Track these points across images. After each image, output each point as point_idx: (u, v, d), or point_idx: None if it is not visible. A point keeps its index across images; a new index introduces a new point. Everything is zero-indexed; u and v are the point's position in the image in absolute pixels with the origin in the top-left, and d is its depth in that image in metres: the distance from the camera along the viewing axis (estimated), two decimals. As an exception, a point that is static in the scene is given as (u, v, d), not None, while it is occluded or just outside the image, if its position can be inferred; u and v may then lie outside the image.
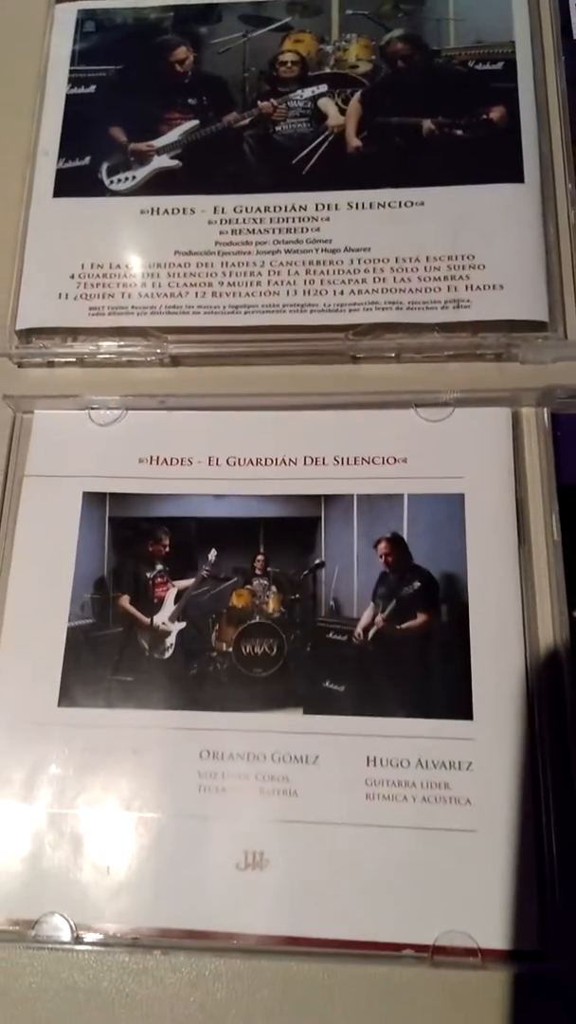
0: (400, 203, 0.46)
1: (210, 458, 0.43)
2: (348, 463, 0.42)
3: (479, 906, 0.35)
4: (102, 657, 0.40)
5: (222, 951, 0.36)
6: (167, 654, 0.40)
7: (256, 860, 0.36)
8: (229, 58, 0.50)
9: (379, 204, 0.46)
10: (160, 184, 0.48)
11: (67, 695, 0.40)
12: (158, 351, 0.44)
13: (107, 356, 0.45)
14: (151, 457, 0.43)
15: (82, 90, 0.50)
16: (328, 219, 0.46)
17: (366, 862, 0.36)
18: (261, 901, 0.36)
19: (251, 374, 0.45)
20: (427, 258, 0.45)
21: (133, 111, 0.50)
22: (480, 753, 0.37)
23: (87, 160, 0.49)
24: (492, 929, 0.35)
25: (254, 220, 0.46)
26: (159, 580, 0.41)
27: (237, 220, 0.47)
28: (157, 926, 0.36)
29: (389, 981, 0.35)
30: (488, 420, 0.42)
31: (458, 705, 0.38)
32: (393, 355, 0.44)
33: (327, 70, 0.49)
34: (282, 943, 0.36)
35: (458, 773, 0.37)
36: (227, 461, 0.43)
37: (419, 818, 0.36)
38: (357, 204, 0.46)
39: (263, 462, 0.43)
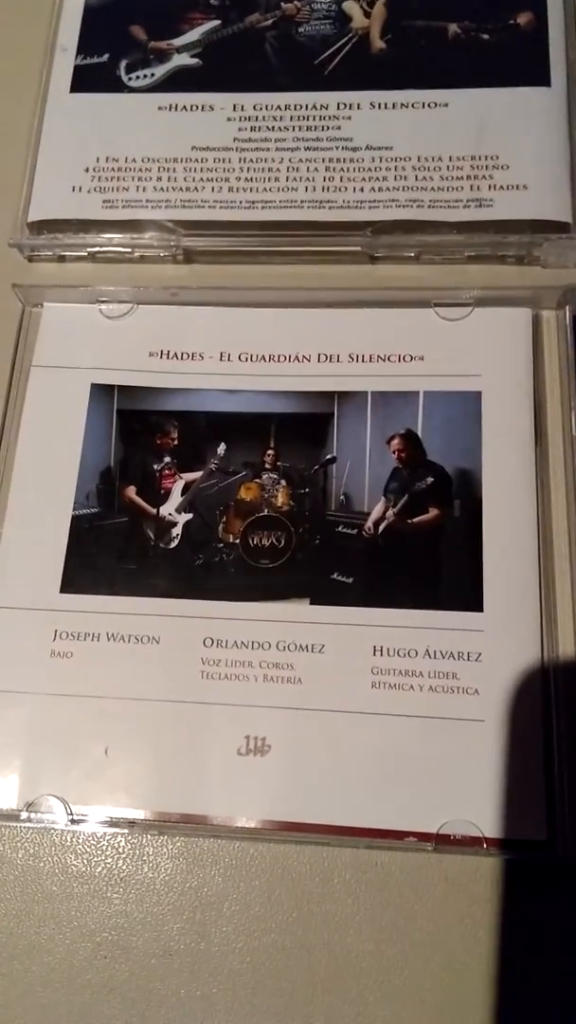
0: (424, 104, 0.46)
1: (222, 353, 0.43)
2: (363, 360, 0.43)
3: (485, 795, 0.35)
4: (106, 546, 0.40)
5: (220, 835, 0.36)
6: (172, 544, 0.40)
7: (257, 746, 0.37)
8: (253, -40, 0.50)
9: (402, 104, 0.46)
10: (179, 82, 0.48)
11: (70, 582, 0.40)
12: (172, 244, 0.45)
13: (119, 250, 0.45)
14: (161, 351, 0.43)
15: (102, -12, 0.50)
16: (350, 118, 0.46)
17: (370, 750, 0.36)
18: (261, 786, 0.36)
19: (266, 273, 0.45)
20: (450, 158, 0.45)
21: (154, 10, 0.50)
22: (489, 645, 0.37)
23: (105, 57, 0.49)
24: (498, 818, 0.35)
25: (274, 118, 0.47)
26: (166, 472, 0.42)
27: (257, 118, 0.47)
28: (154, 810, 0.36)
29: (390, 868, 0.35)
30: (508, 320, 0.42)
31: (468, 597, 0.38)
32: (412, 255, 0.44)
33: (353, -27, 0.50)
34: (282, 828, 0.36)
35: (467, 664, 0.37)
36: (239, 357, 0.43)
37: (426, 707, 0.37)
38: (380, 104, 0.46)
39: (276, 359, 0.43)
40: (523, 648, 0.37)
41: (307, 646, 0.38)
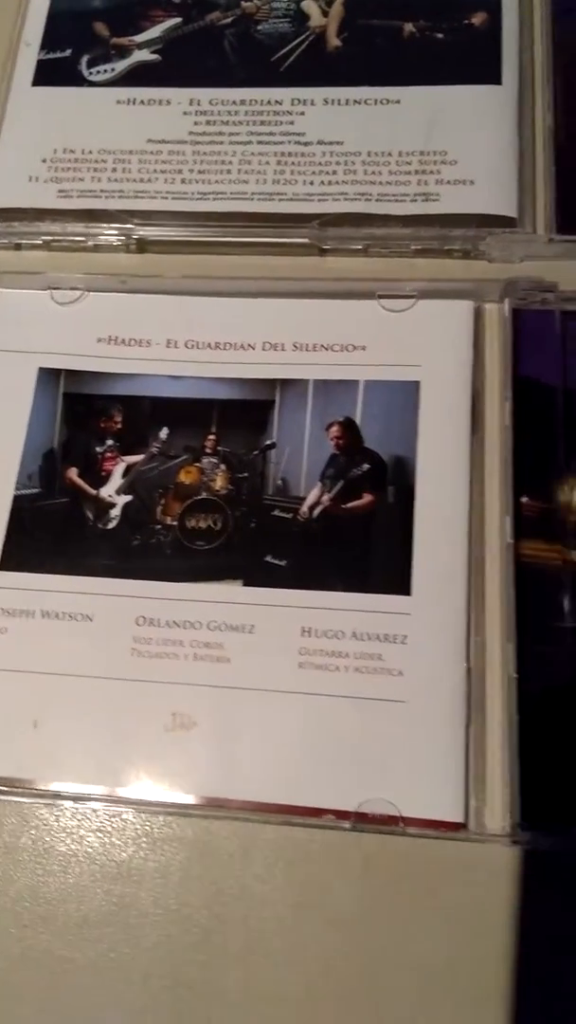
0: (376, 100, 0.47)
1: (168, 340, 0.45)
2: (307, 349, 0.44)
3: (404, 775, 0.36)
4: (45, 525, 0.42)
5: (142, 809, 0.37)
6: (111, 525, 0.41)
7: (183, 722, 0.37)
8: (217, -40, 0.52)
9: (355, 101, 0.48)
10: (139, 77, 0.50)
11: (7, 560, 0.41)
12: (125, 234, 0.46)
13: (73, 239, 0.47)
14: (109, 337, 0.45)
15: (68, -15, 0.52)
16: (303, 113, 0.48)
17: (294, 728, 0.37)
18: (185, 762, 0.37)
19: (217, 263, 0.47)
20: (399, 153, 0.46)
21: (118, 7, 0.52)
22: (415, 627, 0.38)
23: (68, 52, 0.51)
24: (415, 798, 0.36)
25: (229, 112, 0.48)
26: (108, 455, 0.43)
27: (212, 112, 0.48)
28: (80, 782, 0.37)
29: (309, 846, 0.36)
30: (450, 312, 0.44)
31: (397, 581, 0.39)
32: (360, 247, 0.46)
33: (313, -26, 0.51)
34: (204, 804, 0.36)
35: (392, 646, 0.38)
36: (186, 344, 0.44)
37: (350, 688, 0.37)
38: (333, 100, 0.48)
39: (222, 346, 0.44)
40: (448, 632, 0.38)
41: (238, 626, 0.39)
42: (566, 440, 0.40)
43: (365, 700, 0.37)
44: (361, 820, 0.36)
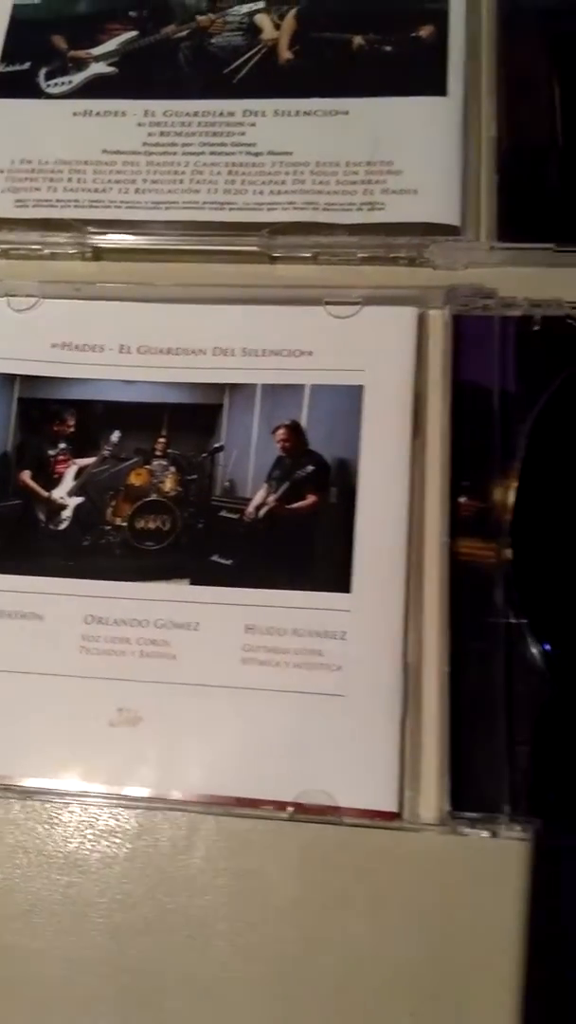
0: (325, 112, 0.49)
1: (121, 346, 0.46)
2: (255, 355, 0.45)
3: (341, 767, 0.37)
4: (-2, 527, 0.43)
5: (88, 802, 0.38)
6: (62, 526, 0.43)
7: (129, 717, 0.39)
8: (173, -26, 0.53)
9: (305, 112, 0.49)
10: (95, 89, 0.51)
11: (-40, 561, 0.42)
12: (80, 242, 0.47)
13: (30, 247, 0.48)
14: (64, 343, 0.46)
15: (28, 0, 0.53)
16: (254, 124, 0.49)
17: (236, 722, 0.38)
18: (130, 755, 0.38)
19: (170, 271, 0.48)
20: (346, 163, 0.47)
21: (76, 21, 0.53)
22: (354, 624, 0.39)
23: (27, 65, 0.52)
24: (352, 789, 0.37)
25: (182, 124, 0.50)
26: (61, 457, 0.44)
27: (166, 123, 0.50)
28: (27, 776, 0.38)
29: (248, 835, 0.37)
30: (394, 318, 0.45)
31: (337, 579, 0.40)
32: (309, 255, 0.47)
33: (266, -13, 0.53)
34: (147, 796, 0.38)
35: (332, 641, 0.39)
36: (138, 349, 0.46)
37: (291, 682, 0.39)
38: (283, 112, 0.49)
39: (173, 351, 0.46)
40: (386, 628, 0.39)
41: (183, 624, 0.40)
42: (502, 442, 0.41)
43: (305, 695, 0.39)
44: (299, 810, 0.37)
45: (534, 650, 0.38)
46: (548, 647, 0.38)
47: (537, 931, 0.34)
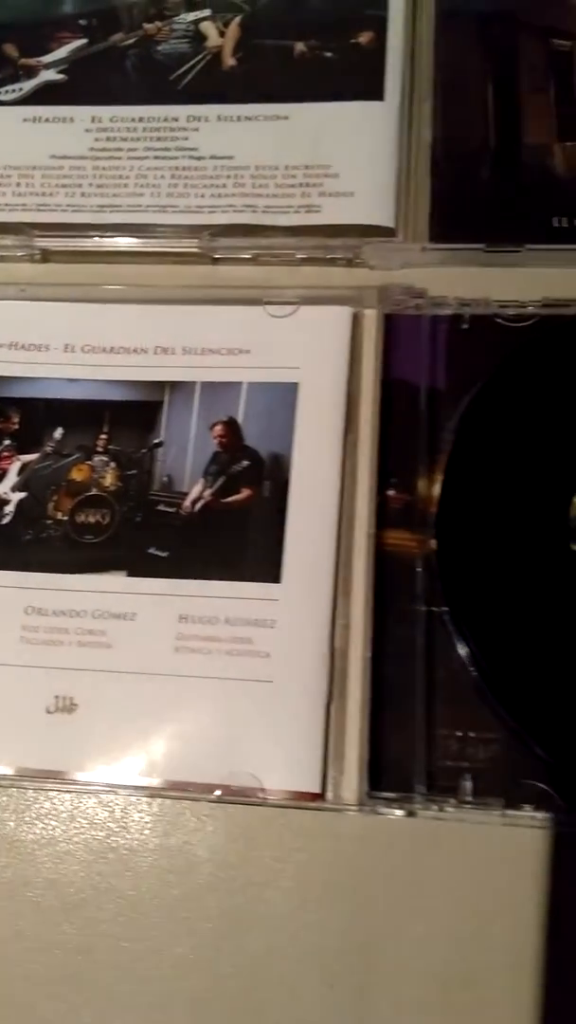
0: (266, 117, 0.50)
1: (66, 345, 0.47)
2: (195, 353, 0.46)
3: (268, 750, 0.39)
4: (-56, 522, 0.44)
5: (24, 786, 0.39)
6: (5, 520, 0.44)
7: (65, 705, 0.40)
8: (122, -17, 0.55)
9: (246, 117, 0.50)
10: (44, 96, 0.53)
11: None
12: (27, 245, 0.49)
13: (-22, 250, 0.49)
14: (9, 343, 0.47)
15: (-20, 10, 0.55)
16: (197, 130, 0.50)
17: (168, 708, 0.40)
18: (66, 741, 0.40)
19: (116, 272, 0.49)
20: (286, 167, 0.49)
21: (27, 29, 0.54)
22: (283, 613, 0.41)
23: (-21, 73, 0.53)
24: (278, 771, 0.38)
25: (128, 129, 0.51)
26: (5, 454, 0.45)
27: (112, 129, 0.51)
28: (-32, 762, 0.40)
29: (178, 818, 0.39)
30: (329, 317, 0.46)
31: (268, 570, 0.41)
32: (249, 256, 0.48)
33: (212, -4, 0.54)
34: (82, 780, 0.39)
35: (261, 630, 0.40)
36: (82, 348, 0.47)
37: (222, 670, 0.40)
38: (226, 117, 0.51)
39: (116, 350, 0.47)
40: (314, 616, 0.41)
41: (120, 614, 0.42)
42: (429, 438, 0.43)
43: (234, 681, 0.40)
44: (227, 792, 0.38)
45: (461, 651, 0.39)
46: (475, 648, 0.39)
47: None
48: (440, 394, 0.44)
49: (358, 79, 0.50)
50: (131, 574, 0.43)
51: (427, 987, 0.36)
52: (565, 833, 0.36)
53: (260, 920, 0.37)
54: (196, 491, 0.44)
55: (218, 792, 0.38)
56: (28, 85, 0.53)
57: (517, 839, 0.37)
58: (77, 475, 0.45)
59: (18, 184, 0.50)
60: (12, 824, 0.39)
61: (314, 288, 0.47)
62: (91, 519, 0.44)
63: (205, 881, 0.38)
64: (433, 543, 0.41)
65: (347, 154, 0.49)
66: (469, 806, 0.37)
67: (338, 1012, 0.36)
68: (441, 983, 0.35)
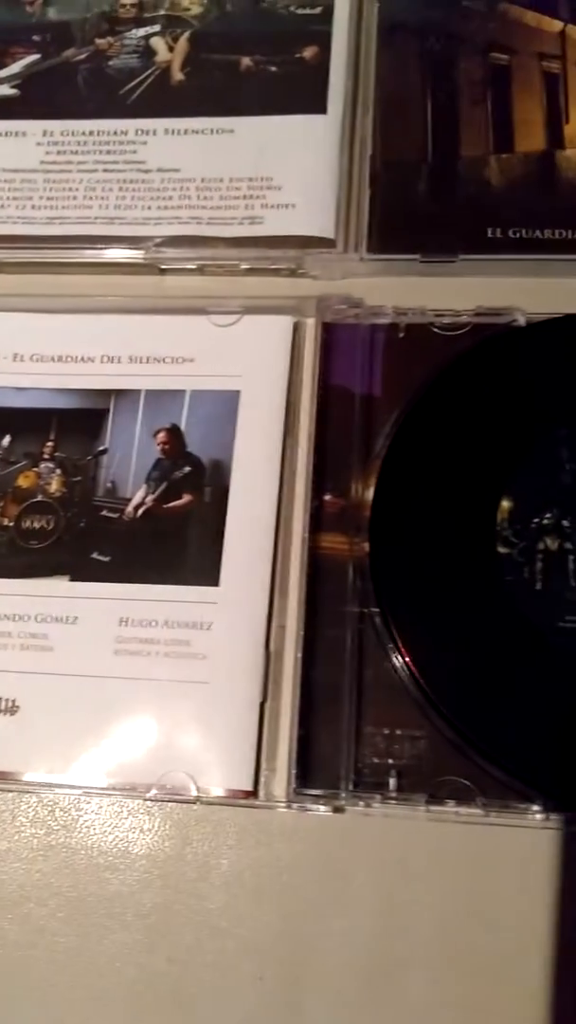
0: (212, 130, 0.51)
1: (15, 355, 0.48)
2: (141, 362, 0.48)
3: (203, 749, 0.40)
4: None
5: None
6: (-47, 526, 0.45)
7: (8, 707, 0.41)
8: (74, 1, 0.56)
9: (193, 131, 0.52)
10: (-2, 110, 0.54)
11: None
12: (-24, 257, 0.50)
13: None
14: (-40, 353, 0.48)
15: None
16: (145, 143, 0.52)
17: (108, 710, 0.41)
18: (9, 744, 0.41)
19: (65, 283, 0.50)
20: (230, 179, 0.50)
21: (-19, 45, 0.55)
22: (221, 615, 0.42)
23: None
24: (212, 770, 0.39)
25: (78, 143, 0.52)
26: (-46, 461, 0.46)
27: (63, 143, 0.52)
28: None
29: (117, 817, 0.40)
30: (271, 326, 0.47)
31: (207, 573, 0.43)
32: (195, 267, 0.49)
33: (162, 12, 0.55)
34: (25, 781, 0.40)
35: (199, 632, 0.41)
36: (31, 358, 0.48)
37: (160, 672, 0.41)
38: (173, 130, 0.52)
39: (64, 359, 0.48)
40: (251, 619, 0.42)
41: (62, 618, 0.43)
42: (364, 443, 0.44)
43: (172, 682, 0.41)
44: (162, 791, 0.39)
45: (390, 651, 0.40)
46: (404, 648, 0.40)
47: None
48: (377, 401, 0.45)
49: (302, 93, 0.52)
50: (74, 579, 0.44)
51: (354, 978, 0.37)
52: (487, 826, 0.37)
53: (194, 915, 0.38)
54: (139, 497, 0.45)
55: (154, 791, 0.39)
56: (-19, 100, 0.54)
57: (440, 833, 0.38)
58: (23, 482, 0.46)
59: (-30, 197, 0.51)
60: (-46, 823, 0.40)
61: (257, 298, 0.48)
62: (36, 525, 0.45)
63: (141, 877, 0.39)
64: (366, 546, 0.42)
65: (290, 167, 0.50)
66: (394, 802, 0.38)
67: (269, 1003, 0.37)
68: (367, 974, 0.37)
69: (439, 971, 0.36)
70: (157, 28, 0.55)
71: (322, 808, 0.38)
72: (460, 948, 0.37)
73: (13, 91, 0.54)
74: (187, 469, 0.45)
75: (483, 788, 0.38)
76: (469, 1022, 0.36)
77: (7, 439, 0.47)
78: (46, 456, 0.46)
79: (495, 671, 0.39)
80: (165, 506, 0.45)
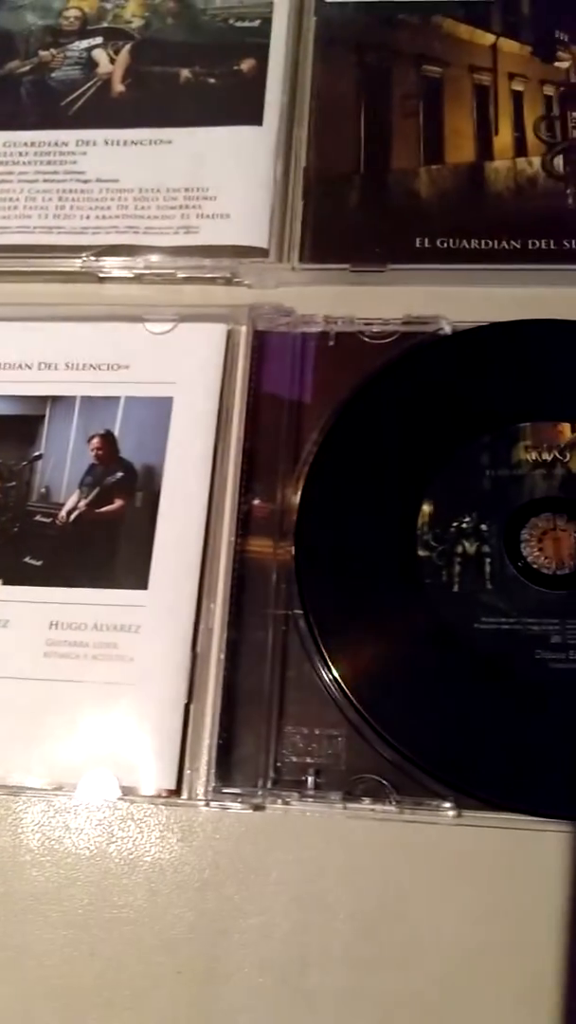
0: (150, 141, 0.52)
1: (-46, 363, 0.49)
2: (77, 368, 0.48)
3: (128, 749, 0.41)
4: None
5: None
6: None
7: None
8: (19, 13, 0.57)
9: (132, 142, 0.53)
10: None
11: None
12: None
13: None
14: None
15: None
16: (85, 153, 0.53)
17: (37, 712, 0.42)
18: None
19: (6, 290, 0.51)
20: (167, 189, 0.51)
21: None
22: (149, 618, 0.43)
23: None
24: (136, 769, 0.40)
25: (19, 153, 0.53)
26: None
27: (4, 154, 0.53)
28: None
29: (43, 816, 0.40)
30: (205, 334, 0.48)
31: (137, 577, 0.43)
32: (133, 276, 0.50)
33: (104, 24, 0.56)
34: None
35: (127, 635, 0.42)
36: (-31, 365, 0.49)
37: (87, 673, 0.42)
38: (113, 141, 0.53)
39: (2, 366, 0.49)
40: (178, 621, 0.43)
41: (-6, 621, 0.44)
42: (293, 449, 0.45)
43: (99, 684, 0.42)
44: (88, 790, 0.40)
45: (317, 662, 0.41)
46: (325, 648, 0.41)
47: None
48: (307, 408, 0.46)
49: (238, 105, 0.53)
50: (6, 583, 0.44)
51: (270, 972, 0.37)
52: (401, 823, 0.38)
53: (117, 910, 0.39)
54: (72, 502, 0.46)
55: (79, 790, 0.40)
56: None
57: (357, 830, 0.39)
58: (-41, 488, 0.47)
59: None
60: None
61: (193, 306, 0.49)
62: (-29, 529, 0.46)
63: (65, 875, 0.40)
64: (292, 550, 0.43)
65: (225, 177, 0.51)
66: (311, 800, 0.38)
67: (186, 997, 0.38)
68: (282, 968, 0.37)
69: (353, 965, 0.37)
70: (100, 40, 0.56)
71: (240, 806, 0.39)
72: (373, 941, 0.37)
73: (-44, 102, 0.55)
74: (119, 475, 0.46)
75: (398, 786, 0.38)
76: (382, 1015, 0.37)
77: (-56, 445, 0.48)
78: (-19, 461, 0.47)
79: (413, 671, 0.40)
80: (97, 511, 0.45)
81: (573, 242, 0.48)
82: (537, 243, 0.48)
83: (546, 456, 0.43)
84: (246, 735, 0.40)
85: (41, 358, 0.49)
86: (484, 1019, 0.36)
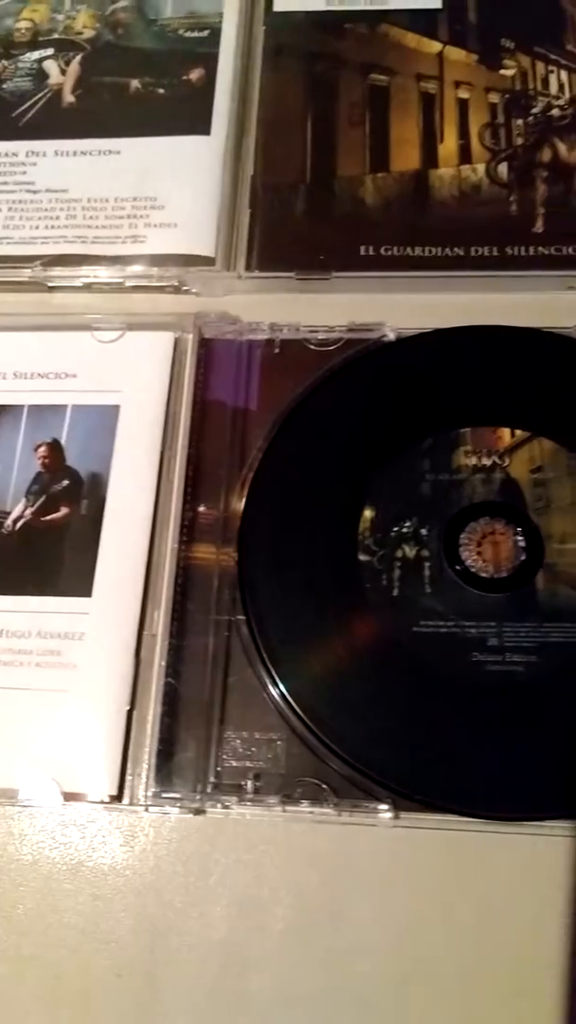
0: (99, 151, 0.53)
1: None
2: (25, 377, 0.49)
3: (71, 756, 0.41)
4: None
5: None
6: None
7: None
8: (-29, 24, 0.57)
9: (82, 152, 0.53)
10: None
11: None
12: None
13: None
14: None
15: None
16: (35, 164, 0.53)
17: (-19, 719, 0.42)
18: None
19: (-43, 301, 0.52)
20: (115, 199, 0.52)
21: None
22: (93, 625, 0.43)
23: None
24: (79, 776, 0.41)
25: (-31, 164, 0.53)
26: None
27: (-45, 165, 0.53)
28: None
29: (-15, 822, 0.41)
30: (152, 342, 0.49)
31: (81, 585, 0.44)
32: (82, 285, 0.51)
33: (55, 36, 0.57)
34: None
35: (71, 642, 0.43)
36: None
37: (32, 681, 0.42)
38: (63, 152, 0.53)
39: (-50, 377, 0.49)
40: (122, 628, 0.43)
41: None
42: (239, 456, 0.46)
43: (42, 691, 0.42)
44: (30, 796, 0.40)
45: (258, 667, 0.41)
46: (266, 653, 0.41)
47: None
48: (253, 415, 0.47)
49: (187, 115, 0.53)
50: (-48, 590, 0.45)
51: (209, 975, 0.38)
52: (339, 825, 0.39)
53: (58, 915, 0.39)
54: (18, 510, 0.46)
55: (22, 796, 0.40)
56: None
57: (295, 833, 0.39)
58: None
59: None
60: None
61: (140, 315, 0.50)
62: None
63: (10, 879, 0.40)
64: (235, 556, 0.43)
65: (173, 187, 0.51)
66: (250, 803, 0.39)
67: (126, 999, 0.38)
68: (221, 971, 0.38)
69: (290, 968, 0.38)
70: (51, 52, 0.57)
71: (179, 810, 0.39)
72: (312, 944, 0.38)
73: None
74: (65, 483, 0.46)
75: (337, 789, 0.39)
76: (317, 1018, 0.37)
77: None
78: None
79: (352, 676, 0.41)
80: (43, 519, 0.46)
81: (516, 249, 0.48)
82: (480, 250, 0.48)
83: (486, 461, 0.44)
84: (188, 740, 0.41)
85: (-10, 367, 0.49)
86: (422, 1021, 0.37)
